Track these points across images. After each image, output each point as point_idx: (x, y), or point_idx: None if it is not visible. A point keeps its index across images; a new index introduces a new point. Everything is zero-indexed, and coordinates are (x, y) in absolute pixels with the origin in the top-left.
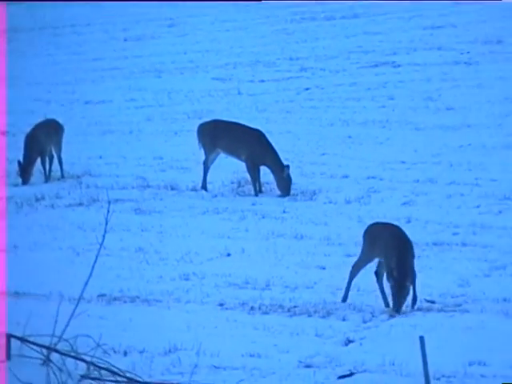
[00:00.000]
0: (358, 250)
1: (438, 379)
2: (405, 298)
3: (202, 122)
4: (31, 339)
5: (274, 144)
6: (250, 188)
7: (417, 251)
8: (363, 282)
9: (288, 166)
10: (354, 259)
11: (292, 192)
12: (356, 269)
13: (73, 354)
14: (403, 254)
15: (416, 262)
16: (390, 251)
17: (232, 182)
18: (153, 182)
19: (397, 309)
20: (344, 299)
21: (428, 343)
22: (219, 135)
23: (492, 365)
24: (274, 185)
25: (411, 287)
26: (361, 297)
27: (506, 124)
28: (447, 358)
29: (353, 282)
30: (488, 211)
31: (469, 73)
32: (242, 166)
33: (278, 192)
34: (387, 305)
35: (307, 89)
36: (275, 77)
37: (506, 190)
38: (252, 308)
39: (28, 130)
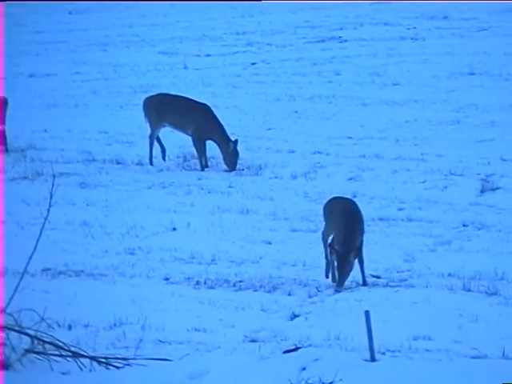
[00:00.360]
0: (304, 225)
1: (383, 353)
2: (347, 274)
3: (147, 95)
4: None
5: (220, 118)
6: (195, 162)
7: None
8: (309, 256)
9: (236, 141)
10: (300, 234)
11: (238, 167)
12: (325, 236)
13: (17, 327)
14: (349, 229)
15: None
16: (339, 225)
17: (178, 157)
18: (98, 156)
19: (337, 283)
20: (327, 275)
21: (373, 318)
22: (165, 109)
23: (436, 339)
24: (221, 159)
25: (359, 263)
26: (306, 271)
27: (452, 99)
28: (392, 333)
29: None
30: (433, 186)
31: (415, 48)
32: (188, 140)
33: (224, 166)
34: (334, 279)
35: (253, 63)
36: (221, 51)
37: (452, 166)
38: (197, 283)
39: None
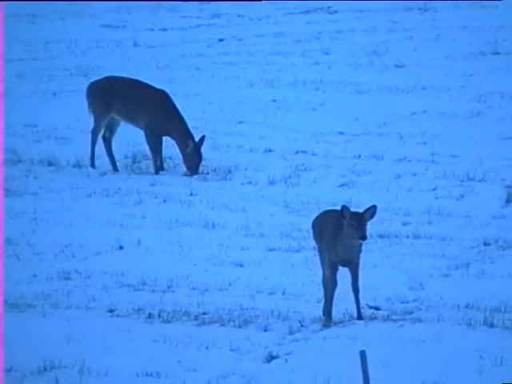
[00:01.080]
0: (284, 243)
1: None
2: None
3: (93, 80)
4: None
5: (180, 109)
6: (148, 164)
7: None
8: (290, 282)
9: (202, 138)
10: (279, 254)
11: (201, 170)
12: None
13: None
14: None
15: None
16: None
17: (126, 157)
18: (25, 155)
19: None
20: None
21: (371, 360)
22: (115, 97)
23: None
24: (180, 160)
25: (353, 291)
26: (287, 301)
27: (471, 86)
28: (395, 379)
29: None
30: (447, 195)
31: (424, 21)
32: (139, 135)
33: (184, 169)
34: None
35: (221, 40)
36: (181, 24)
37: (470, 169)
38: (150, 315)
39: None
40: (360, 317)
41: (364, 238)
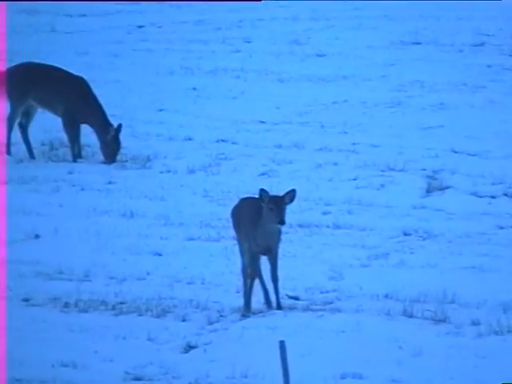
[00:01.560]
0: (203, 233)
1: None
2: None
3: (10, 66)
4: None
5: (98, 96)
6: (66, 151)
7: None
8: (209, 271)
9: (119, 126)
10: (198, 244)
11: (120, 158)
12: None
13: None
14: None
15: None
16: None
17: (43, 144)
18: None
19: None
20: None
21: (290, 350)
22: (32, 83)
23: (370, 378)
24: (98, 148)
25: (272, 281)
26: (206, 291)
27: (392, 75)
28: (314, 369)
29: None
30: (367, 185)
31: (345, 10)
32: (57, 122)
33: (102, 158)
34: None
35: (141, 27)
36: (100, 10)
37: (390, 159)
38: (66, 304)
39: None
40: (279, 307)
41: (282, 222)
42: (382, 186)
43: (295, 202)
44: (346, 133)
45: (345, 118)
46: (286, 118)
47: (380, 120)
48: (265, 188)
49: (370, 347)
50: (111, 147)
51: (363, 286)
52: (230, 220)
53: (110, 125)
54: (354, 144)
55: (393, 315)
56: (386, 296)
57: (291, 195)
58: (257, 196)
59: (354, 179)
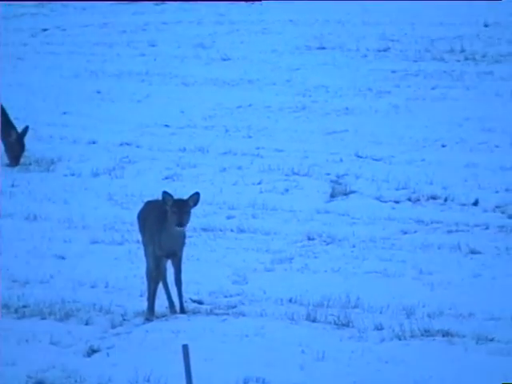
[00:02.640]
0: (107, 236)
1: None
2: None
3: None
4: None
5: (1, 99)
6: None
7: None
8: (113, 275)
9: (25, 129)
10: (102, 247)
11: (23, 160)
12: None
13: None
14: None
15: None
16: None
17: None
18: None
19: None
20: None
21: (193, 354)
22: None
23: (272, 382)
24: (1, 151)
25: (176, 285)
26: (109, 295)
27: (296, 80)
28: (217, 373)
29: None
30: (272, 189)
31: (251, 14)
32: None
33: (6, 161)
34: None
35: (45, 30)
36: (3, 13)
37: (294, 163)
38: None
39: None
40: (183, 310)
41: (180, 225)
42: (287, 190)
43: (199, 206)
44: (250, 137)
45: (249, 122)
46: (191, 122)
47: (284, 124)
48: (168, 191)
49: (274, 351)
50: (15, 150)
51: (267, 290)
52: (136, 223)
53: (13, 127)
54: (258, 148)
55: (296, 319)
56: (290, 300)
57: (195, 198)
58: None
59: (259, 183)
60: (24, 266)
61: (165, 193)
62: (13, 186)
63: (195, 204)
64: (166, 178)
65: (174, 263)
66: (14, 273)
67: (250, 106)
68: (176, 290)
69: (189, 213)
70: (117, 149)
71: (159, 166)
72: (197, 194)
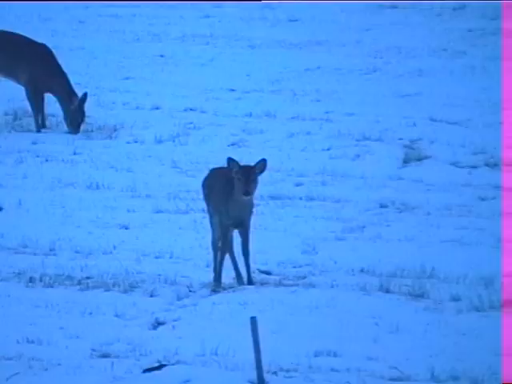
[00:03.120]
0: (172, 205)
1: (275, 373)
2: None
3: None
4: None
5: (62, 64)
6: (30, 121)
7: None
8: (178, 245)
9: (84, 95)
10: (166, 216)
11: (85, 128)
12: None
13: None
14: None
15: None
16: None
17: (6, 114)
18: None
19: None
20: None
21: (261, 327)
22: None
23: (344, 355)
24: (62, 118)
25: (243, 255)
26: (175, 265)
27: (366, 41)
28: (287, 347)
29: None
30: (342, 155)
31: None
32: (20, 92)
33: (67, 128)
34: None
35: None
36: None
37: (366, 128)
38: (31, 279)
39: None
40: (250, 282)
41: (247, 193)
42: (357, 156)
43: (266, 173)
44: (319, 101)
45: (318, 86)
46: (257, 86)
47: (355, 87)
48: (233, 157)
49: (345, 324)
50: (75, 117)
51: (338, 260)
52: (201, 191)
53: (75, 94)
54: (327, 112)
55: (369, 290)
56: (362, 270)
57: (262, 165)
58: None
59: (328, 149)
60: (87, 236)
61: (230, 159)
62: (74, 153)
63: (262, 171)
64: (232, 145)
65: (241, 233)
66: (77, 243)
67: (318, 68)
68: (243, 261)
69: (255, 180)
70: (181, 114)
71: (225, 131)
72: (263, 161)
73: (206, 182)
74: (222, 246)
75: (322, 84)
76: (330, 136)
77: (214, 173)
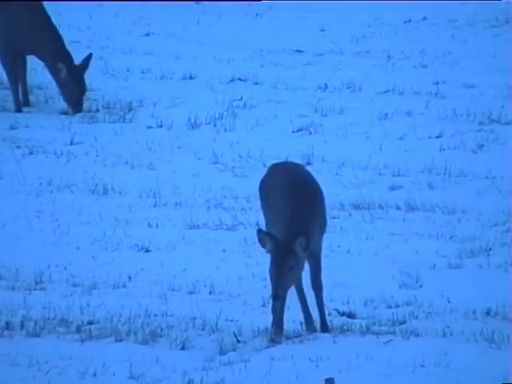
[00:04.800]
0: (212, 217)
1: None
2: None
3: None
4: None
5: (52, 15)
6: (6, 96)
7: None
8: (220, 274)
9: (89, 57)
10: (203, 233)
11: (88, 106)
12: None
13: None
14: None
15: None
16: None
17: None
18: None
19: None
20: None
21: None
22: None
23: None
24: (56, 92)
25: (313, 289)
26: (215, 304)
27: None
28: None
29: None
30: (458, 145)
31: None
32: None
33: (63, 105)
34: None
35: None
36: None
37: (493, 106)
38: (8, 325)
39: None
40: (325, 328)
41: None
42: (481, 146)
43: (348, 173)
44: (425, 67)
45: (423, 45)
46: (335, 46)
47: (477, 47)
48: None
49: None
50: (72, 90)
51: (452, 297)
52: (259, 197)
53: (70, 56)
54: (436, 83)
55: (498, 342)
56: (488, 313)
57: (302, 242)
58: (296, 162)
59: (438, 136)
60: (89, 262)
61: (260, 232)
62: (72, 143)
63: (304, 250)
64: (299, 131)
65: (309, 258)
66: (76, 273)
67: (423, 19)
68: (314, 298)
69: (291, 273)
70: (225, 87)
71: (288, 111)
72: (304, 237)
73: (263, 183)
74: None
75: (428, 42)
76: (441, 117)
77: (275, 171)
